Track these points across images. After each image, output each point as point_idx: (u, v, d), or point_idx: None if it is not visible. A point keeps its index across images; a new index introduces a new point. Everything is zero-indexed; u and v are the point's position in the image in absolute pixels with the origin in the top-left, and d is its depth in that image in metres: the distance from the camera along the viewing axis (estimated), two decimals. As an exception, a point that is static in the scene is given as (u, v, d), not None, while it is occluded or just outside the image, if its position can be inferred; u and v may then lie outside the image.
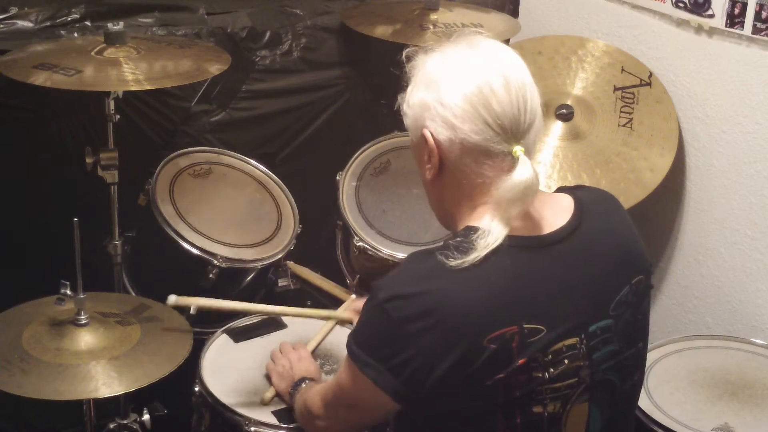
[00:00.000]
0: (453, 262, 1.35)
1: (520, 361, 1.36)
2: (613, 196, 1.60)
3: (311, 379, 1.83)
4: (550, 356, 1.39)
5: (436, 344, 1.34)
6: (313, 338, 2.04)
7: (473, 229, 1.40)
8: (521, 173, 1.38)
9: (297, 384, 1.81)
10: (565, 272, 1.42)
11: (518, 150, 1.40)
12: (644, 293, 1.52)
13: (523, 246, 1.41)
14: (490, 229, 1.38)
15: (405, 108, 1.50)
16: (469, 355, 1.34)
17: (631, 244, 1.53)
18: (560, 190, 1.57)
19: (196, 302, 1.93)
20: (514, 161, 1.40)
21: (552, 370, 1.39)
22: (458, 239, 1.40)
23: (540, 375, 1.38)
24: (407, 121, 1.50)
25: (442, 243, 1.41)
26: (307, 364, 1.90)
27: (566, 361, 1.40)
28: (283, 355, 1.95)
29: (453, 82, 1.42)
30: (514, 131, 1.40)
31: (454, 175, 1.45)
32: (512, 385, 1.37)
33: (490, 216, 1.40)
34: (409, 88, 1.49)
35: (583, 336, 1.42)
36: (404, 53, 1.52)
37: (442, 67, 1.44)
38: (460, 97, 1.40)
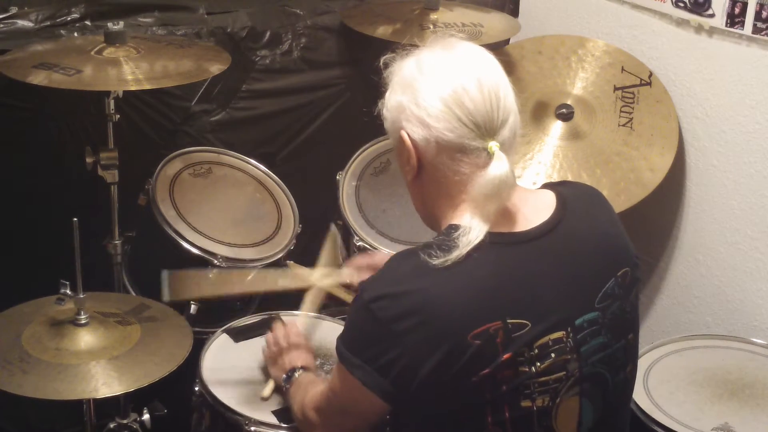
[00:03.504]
0: (436, 261, 1.38)
1: (506, 356, 1.37)
2: (597, 190, 1.62)
3: (303, 368, 1.82)
4: (537, 351, 1.40)
5: (422, 343, 1.36)
6: (302, 307, 2.03)
7: (455, 227, 1.42)
8: (496, 168, 1.41)
9: (289, 375, 1.81)
10: (548, 267, 1.44)
11: (493, 146, 1.42)
12: (631, 285, 1.52)
13: (505, 242, 1.43)
14: (471, 226, 1.41)
15: (384, 112, 1.53)
16: (454, 352, 1.36)
17: (615, 237, 1.54)
18: (544, 186, 1.59)
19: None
20: (489, 157, 1.42)
21: (539, 364, 1.40)
22: (440, 238, 1.42)
23: (527, 369, 1.39)
24: (386, 124, 1.53)
25: (425, 242, 1.43)
26: (299, 352, 1.89)
27: (553, 355, 1.41)
28: (274, 339, 1.94)
29: (427, 83, 1.45)
30: (488, 127, 1.42)
31: (433, 174, 1.47)
32: (498, 380, 1.38)
33: (471, 213, 1.42)
34: (387, 93, 1.52)
35: (569, 329, 1.43)
36: (381, 60, 1.55)
37: (417, 71, 1.47)
38: (433, 98, 1.43)
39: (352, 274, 1.99)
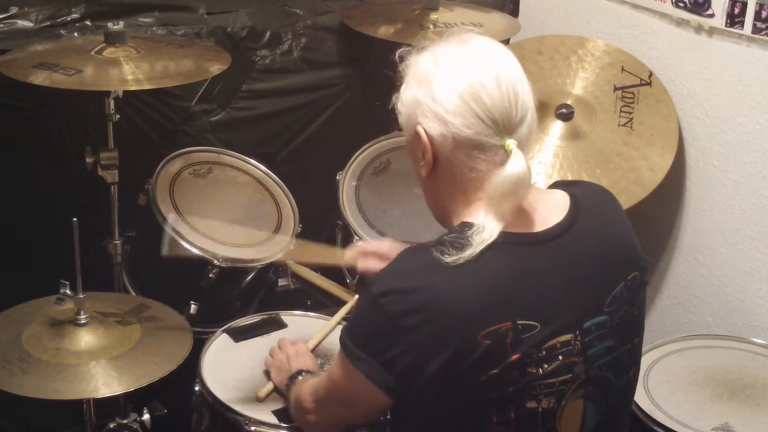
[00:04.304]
0: (448, 258, 1.36)
1: (514, 357, 1.37)
2: (608, 191, 1.60)
3: (308, 372, 1.82)
4: (545, 352, 1.39)
5: (430, 340, 1.35)
6: (314, 336, 2.04)
7: (468, 225, 1.41)
8: (513, 166, 1.39)
9: (294, 376, 1.81)
10: (560, 269, 1.43)
11: (511, 143, 1.40)
12: (639, 289, 1.52)
13: (518, 242, 1.41)
14: (485, 225, 1.39)
15: (399, 107, 1.51)
16: (462, 351, 1.35)
17: (625, 240, 1.53)
18: (556, 185, 1.57)
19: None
20: (506, 155, 1.41)
21: (546, 366, 1.39)
22: (453, 235, 1.40)
23: (534, 371, 1.39)
24: (401, 119, 1.51)
25: (437, 238, 1.41)
26: (305, 358, 1.90)
27: (560, 357, 1.41)
28: (281, 349, 1.95)
29: (444, 78, 1.43)
30: (506, 124, 1.41)
31: (448, 170, 1.46)
32: (506, 380, 1.37)
33: (485, 211, 1.41)
34: (402, 87, 1.50)
35: (577, 332, 1.42)
36: (397, 53, 1.53)
37: (434, 65, 1.45)
38: (451, 93, 1.41)
39: (356, 257, 1.93)
